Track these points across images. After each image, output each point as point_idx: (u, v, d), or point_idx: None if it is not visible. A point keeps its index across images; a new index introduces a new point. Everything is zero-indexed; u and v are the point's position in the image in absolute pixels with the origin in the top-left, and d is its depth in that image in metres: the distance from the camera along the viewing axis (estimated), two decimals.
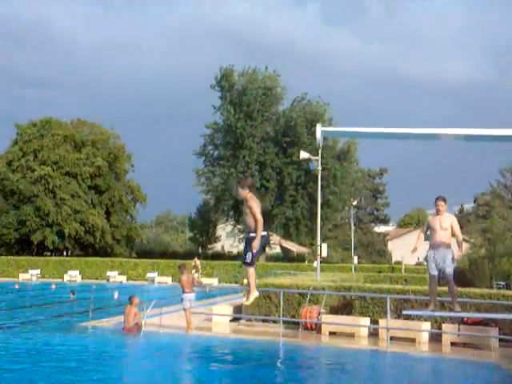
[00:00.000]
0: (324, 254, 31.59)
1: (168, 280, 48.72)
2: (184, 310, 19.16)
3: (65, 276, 50.62)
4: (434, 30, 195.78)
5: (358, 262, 59.64)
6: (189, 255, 62.68)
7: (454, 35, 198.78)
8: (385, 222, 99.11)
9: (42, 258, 59.09)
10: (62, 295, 33.73)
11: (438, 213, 12.12)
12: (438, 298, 18.48)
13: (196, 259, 49.51)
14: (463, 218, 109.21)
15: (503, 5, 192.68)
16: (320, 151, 30.30)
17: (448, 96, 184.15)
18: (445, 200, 12.17)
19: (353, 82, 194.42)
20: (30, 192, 62.91)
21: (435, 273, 11.96)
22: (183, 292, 19.15)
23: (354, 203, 62.83)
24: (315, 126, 10.30)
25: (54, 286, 40.74)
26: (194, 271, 21.29)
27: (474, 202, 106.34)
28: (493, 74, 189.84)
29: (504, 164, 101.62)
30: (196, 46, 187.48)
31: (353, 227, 60.86)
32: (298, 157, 34.66)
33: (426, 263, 12.02)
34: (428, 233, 12.34)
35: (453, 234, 12.11)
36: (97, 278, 50.82)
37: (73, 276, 50.47)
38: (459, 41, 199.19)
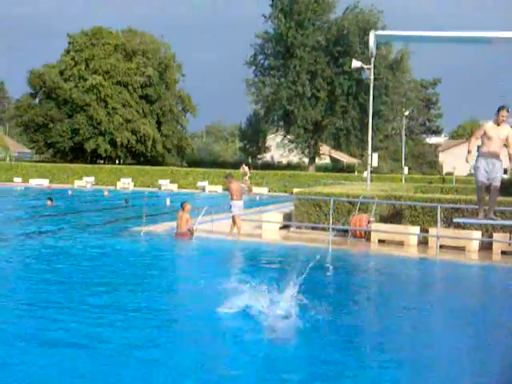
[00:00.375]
0: (374, 163, 31.46)
1: (218, 189, 49.34)
2: (233, 216, 19.59)
3: (118, 183, 51.72)
4: None
5: (409, 173, 59.19)
6: (239, 165, 63.08)
7: None
8: (437, 133, 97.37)
9: (95, 165, 60.38)
10: (116, 202, 34.58)
11: (499, 123, 11.81)
12: (501, 208, 18.39)
13: (244, 165, 49.76)
14: None
15: None
16: (373, 60, 29.58)
17: (499, 2, 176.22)
18: (508, 110, 11.85)
19: None
20: (83, 101, 63.67)
21: (485, 181, 11.79)
22: (231, 199, 19.53)
23: (406, 114, 61.80)
24: (367, 34, 10.09)
25: (106, 193, 41.68)
26: (245, 177, 21.35)
27: None
28: None
29: None
30: None
31: (404, 138, 60.09)
32: (350, 66, 34.02)
33: (473, 172, 11.81)
34: (480, 140, 12.10)
35: (505, 145, 11.87)
36: (148, 186, 51.80)
37: (125, 183, 51.52)
38: None
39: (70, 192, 41.23)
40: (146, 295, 10.01)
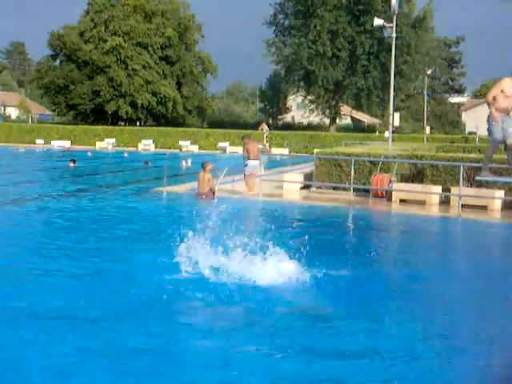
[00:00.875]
0: (396, 123, 31.31)
1: (239, 150, 49.17)
2: (245, 175, 19.82)
3: (139, 145, 51.94)
4: None
5: (431, 133, 58.72)
6: (258, 125, 63.00)
7: None
8: (460, 92, 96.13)
9: (116, 127, 60.59)
10: (136, 163, 34.76)
11: None
12: None
13: (264, 124, 49.73)
14: None
15: None
16: (395, 18, 29.18)
17: None
18: None
19: None
20: (103, 63, 63.66)
21: (500, 138, 11.45)
22: (248, 159, 19.71)
23: (429, 73, 60.87)
24: None
25: (125, 155, 41.83)
26: (265, 135, 21.69)
27: None
28: None
29: None
30: None
31: (426, 98, 59.44)
32: (372, 25, 33.64)
33: (488, 128, 11.37)
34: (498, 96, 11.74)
35: None
36: (169, 148, 51.95)
37: (146, 145, 51.72)
38: None
39: (89, 153, 41.42)
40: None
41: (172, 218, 14.98)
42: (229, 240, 9.12)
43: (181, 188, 20.96)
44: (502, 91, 11.34)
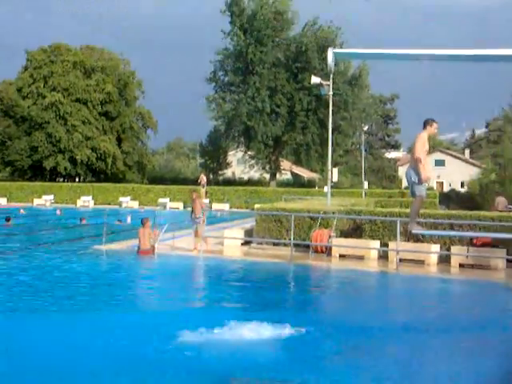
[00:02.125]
0: (335, 178, 31.79)
1: (179, 205, 49.17)
2: (194, 231, 19.93)
3: (78, 201, 51.20)
4: None
5: (369, 188, 59.82)
6: (199, 182, 62.97)
7: None
8: (395, 147, 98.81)
9: (55, 183, 59.66)
10: (74, 220, 33.99)
11: (434, 134, 11.80)
12: (447, 221, 18.78)
13: (203, 175, 49.84)
14: (475, 143, 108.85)
15: None
16: (331, 76, 29.98)
17: (460, 20, 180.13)
18: None
19: (365, 5, 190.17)
20: (42, 118, 63.02)
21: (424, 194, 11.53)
22: (193, 216, 19.97)
23: (365, 129, 62.51)
24: (326, 51, 10.12)
25: (58, 212, 40.61)
26: (202, 189, 22.24)
27: (486, 127, 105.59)
28: None
29: None
30: None
31: (363, 153, 60.76)
32: (309, 82, 34.36)
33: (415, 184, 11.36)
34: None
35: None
36: (109, 204, 51.35)
37: (85, 201, 51.01)
38: None
39: (21, 211, 40.19)
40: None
41: (111, 279, 14.72)
42: (168, 299, 9.03)
43: (121, 245, 20.69)
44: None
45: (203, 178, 50.13)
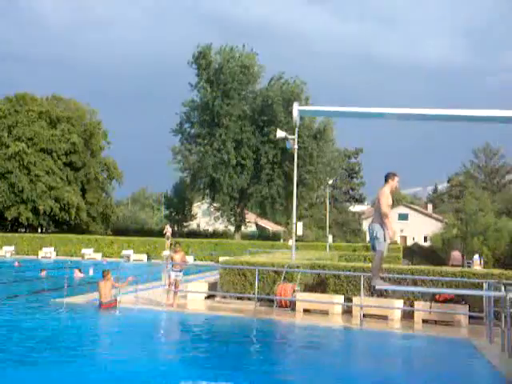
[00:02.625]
0: (299, 232, 31.79)
1: (143, 257, 48.73)
2: (173, 285, 19.87)
3: (39, 253, 50.37)
4: (410, 11, 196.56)
5: (333, 241, 60.04)
6: (165, 233, 62.54)
7: (430, 16, 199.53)
8: (360, 201, 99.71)
9: (16, 234, 58.65)
10: (33, 272, 33.26)
11: (396, 188, 11.86)
12: (410, 276, 18.87)
13: (168, 226, 49.57)
14: (437, 198, 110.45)
15: None
16: (296, 130, 30.29)
17: (422, 77, 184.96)
18: None
19: (330, 61, 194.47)
20: (4, 168, 62.37)
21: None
22: (172, 270, 20.06)
23: (330, 182, 63.09)
24: (292, 104, 10.23)
25: (16, 264, 39.75)
26: (167, 240, 22.30)
27: (448, 182, 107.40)
28: (467, 56, 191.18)
29: (477, 144, 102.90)
30: (173, 23, 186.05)
31: (328, 206, 61.15)
32: (275, 136, 34.67)
33: (378, 238, 11.32)
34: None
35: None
36: (72, 255, 50.63)
37: (47, 253, 50.21)
38: (435, 22, 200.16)
39: None
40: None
41: (68, 334, 14.36)
42: (125, 356, 8.82)
43: (82, 298, 20.29)
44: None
45: (168, 230, 49.86)
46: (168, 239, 47.93)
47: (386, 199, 10.77)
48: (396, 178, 11.07)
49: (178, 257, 20.78)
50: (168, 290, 20.34)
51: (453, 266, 30.64)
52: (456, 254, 31.99)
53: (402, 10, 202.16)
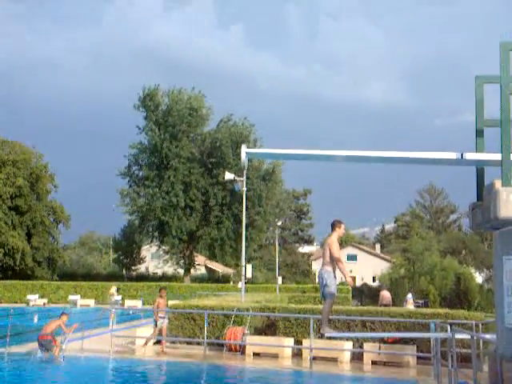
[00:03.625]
0: (249, 275, 31.74)
1: (91, 302, 47.74)
2: (158, 330, 19.95)
3: None
4: (355, 55, 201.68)
5: (283, 283, 60.09)
6: (112, 277, 61.85)
7: (375, 60, 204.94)
8: (309, 242, 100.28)
9: None
10: None
11: (343, 234, 12.07)
12: (359, 318, 18.95)
13: (113, 287, 48.77)
14: (385, 238, 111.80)
15: (420, 34, 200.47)
16: (245, 172, 30.48)
17: (367, 119, 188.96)
18: None
19: (277, 103, 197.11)
20: None
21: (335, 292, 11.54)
22: (159, 316, 19.83)
23: (279, 224, 63.35)
24: (240, 146, 10.34)
25: None
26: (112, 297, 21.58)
27: (395, 222, 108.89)
28: (410, 98, 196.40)
29: (422, 185, 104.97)
30: (121, 65, 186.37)
31: (277, 248, 61.28)
32: (224, 178, 34.78)
33: (328, 284, 11.32)
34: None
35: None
36: (16, 302, 49.34)
37: None
38: (379, 66, 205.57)
39: None
40: None
41: None
42: None
43: (26, 348, 19.70)
44: None
45: (115, 292, 48.66)
46: (112, 295, 47.02)
47: (336, 246, 11.04)
48: (342, 226, 11.44)
49: (162, 302, 20.61)
50: (151, 338, 20.21)
51: (382, 305, 30.97)
52: (385, 294, 32.44)
53: (348, 53, 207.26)
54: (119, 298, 47.18)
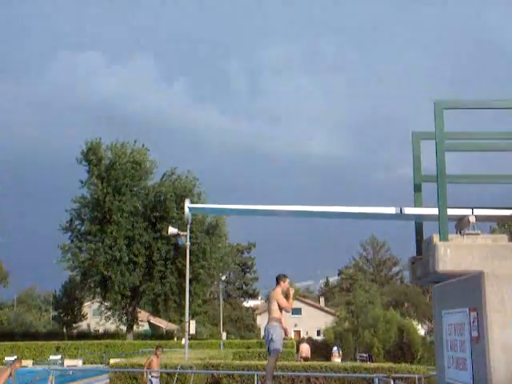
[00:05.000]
0: (192, 330, 31.32)
1: (29, 363, 46.13)
2: None
3: None
4: (297, 110, 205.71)
5: (227, 338, 59.42)
6: (52, 335, 60.10)
7: (316, 115, 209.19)
8: (253, 296, 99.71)
9: None
10: None
11: (287, 289, 12.03)
12: (304, 374, 18.82)
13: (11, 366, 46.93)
14: (329, 291, 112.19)
15: (358, 89, 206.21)
16: (189, 227, 30.37)
17: (309, 173, 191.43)
18: None
19: (221, 157, 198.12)
20: None
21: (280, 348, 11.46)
22: (152, 376, 19.01)
23: (223, 278, 62.97)
24: (184, 200, 10.32)
25: None
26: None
27: (339, 275, 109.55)
28: (350, 152, 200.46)
29: (365, 237, 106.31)
30: (64, 119, 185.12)
31: (222, 302, 60.77)
32: (167, 232, 34.53)
33: (275, 339, 11.26)
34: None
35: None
36: None
37: None
38: (320, 120, 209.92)
39: None
40: None
41: None
42: None
43: None
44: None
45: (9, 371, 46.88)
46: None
47: (281, 298, 11.10)
48: (287, 280, 11.50)
49: (156, 361, 19.60)
50: None
51: (301, 358, 30.96)
52: (303, 346, 32.56)
53: (289, 108, 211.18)
54: (59, 357, 45.86)
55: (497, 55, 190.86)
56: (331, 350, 35.67)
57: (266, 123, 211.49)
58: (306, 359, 29.85)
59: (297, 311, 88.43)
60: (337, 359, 32.42)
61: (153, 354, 20.20)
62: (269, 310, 11.31)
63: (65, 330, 69.90)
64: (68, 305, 71.29)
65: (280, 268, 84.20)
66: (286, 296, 11.39)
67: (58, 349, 47.71)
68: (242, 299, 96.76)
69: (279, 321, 11.09)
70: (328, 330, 58.98)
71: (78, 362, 44.73)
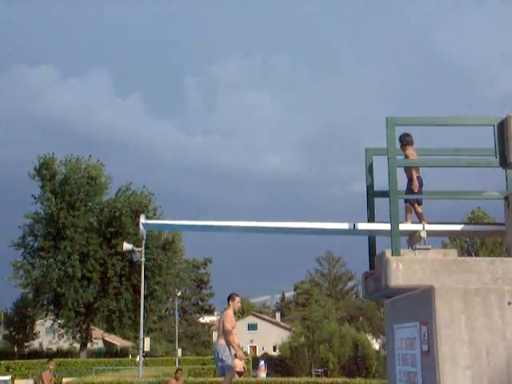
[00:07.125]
0: (147, 348, 30.99)
1: None
2: None
3: None
4: (252, 126, 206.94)
5: (183, 355, 58.91)
6: (1, 355, 58.79)
7: (271, 131, 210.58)
8: (210, 312, 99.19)
9: None
10: None
11: (238, 308, 12.04)
12: None
13: None
14: (285, 306, 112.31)
15: (312, 106, 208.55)
16: (144, 242, 30.15)
17: (265, 188, 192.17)
18: None
19: (177, 172, 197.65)
20: None
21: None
22: None
23: (179, 294, 62.52)
24: (140, 216, 10.25)
25: None
26: None
27: (295, 290, 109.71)
28: (305, 168, 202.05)
29: (321, 252, 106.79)
30: (16, 133, 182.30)
31: (177, 318, 60.32)
32: (122, 248, 34.19)
33: (226, 361, 11.17)
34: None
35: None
36: None
37: None
38: (275, 136, 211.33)
39: None
40: None
41: None
42: None
43: None
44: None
45: None
46: None
47: (229, 320, 11.05)
48: (237, 299, 11.50)
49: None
50: None
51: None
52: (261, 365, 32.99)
53: (245, 124, 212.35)
54: (8, 377, 44.73)
55: (444, 69, 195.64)
56: (258, 364, 35.93)
57: (221, 138, 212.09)
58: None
59: (253, 326, 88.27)
60: (263, 374, 32.76)
61: (172, 377, 19.03)
62: (218, 329, 11.38)
63: (16, 349, 68.43)
64: (19, 323, 69.91)
65: (236, 283, 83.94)
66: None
67: (8, 369, 46.58)
68: (198, 315, 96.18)
69: (227, 340, 11.01)
70: (284, 345, 58.97)
71: (29, 382, 43.65)
